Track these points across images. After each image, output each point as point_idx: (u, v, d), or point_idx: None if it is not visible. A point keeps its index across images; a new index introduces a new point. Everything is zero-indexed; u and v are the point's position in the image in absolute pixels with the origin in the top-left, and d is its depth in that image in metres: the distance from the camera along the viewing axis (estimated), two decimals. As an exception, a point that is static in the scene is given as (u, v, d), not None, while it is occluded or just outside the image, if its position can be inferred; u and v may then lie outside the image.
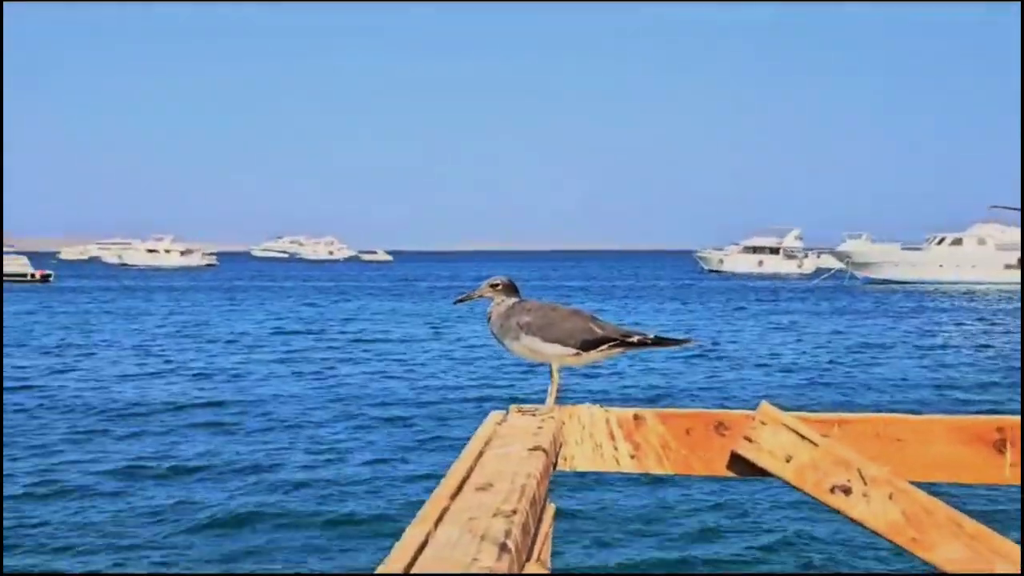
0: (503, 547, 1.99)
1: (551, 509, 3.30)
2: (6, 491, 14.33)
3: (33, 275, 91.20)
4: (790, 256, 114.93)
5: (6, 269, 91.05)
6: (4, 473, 15.44)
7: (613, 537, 12.17)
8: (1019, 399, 21.75)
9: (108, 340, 37.91)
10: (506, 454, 2.82)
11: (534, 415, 3.43)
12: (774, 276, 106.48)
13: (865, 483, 3.27)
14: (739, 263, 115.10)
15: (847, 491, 3.28)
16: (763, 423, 3.35)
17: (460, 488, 2.46)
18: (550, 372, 3.57)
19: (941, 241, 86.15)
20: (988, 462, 3.36)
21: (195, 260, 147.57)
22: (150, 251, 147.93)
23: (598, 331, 3.51)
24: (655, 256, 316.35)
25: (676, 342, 3.66)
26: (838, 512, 3.32)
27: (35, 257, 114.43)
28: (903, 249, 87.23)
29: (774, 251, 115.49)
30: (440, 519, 2.21)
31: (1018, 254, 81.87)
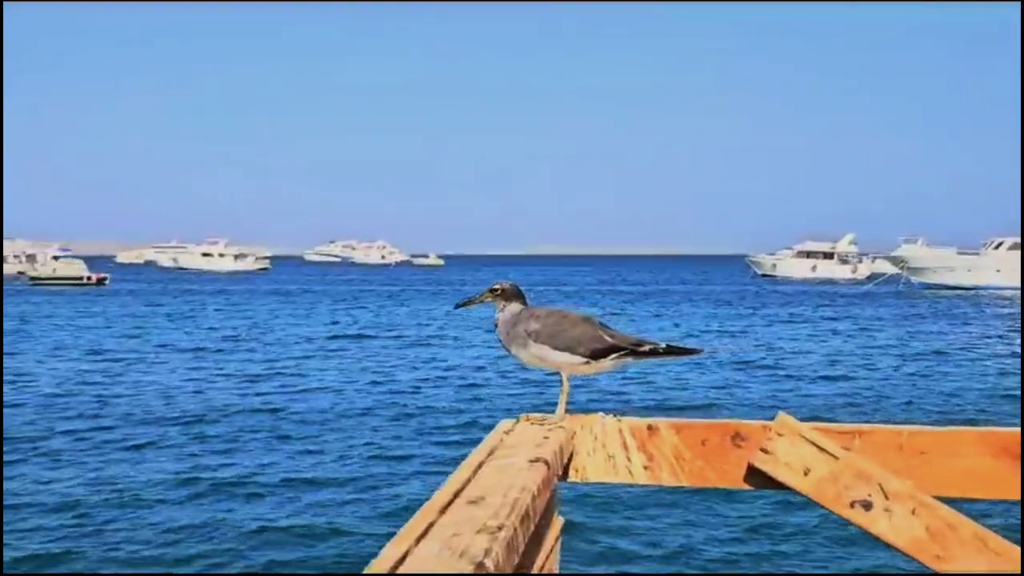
0: (480, 566, 1.91)
1: (559, 522, 3.21)
2: (62, 497, 14.33)
3: (89, 278, 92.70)
4: (844, 261, 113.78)
5: (62, 272, 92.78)
6: (59, 479, 15.49)
7: (628, 550, 11.88)
8: None
9: (162, 344, 38.23)
10: (506, 465, 2.73)
11: (542, 424, 3.34)
12: (828, 281, 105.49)
13: (887, 498, 3.15)
14: (792, 268, 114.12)
15: (868, 506, 3.16)
16: (780, 434, 3.24)
17: (452, 501, 2.38)
18: (561, 380, 3.49)
19: (999, 246, 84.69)
20: (1016, 476, 3.22)
21: (248, 264, 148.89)
22: (205, 255, 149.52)
23: (608, 339, 3.42)
24: (706, 261, 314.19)
25: (689, 351, 3.55)
26: (859, 527, 3.20)
27: (92, 261, 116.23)
28: (959, 254, 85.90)
29: (828, 256, 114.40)
30: (424, 534, 2.14)
31: None
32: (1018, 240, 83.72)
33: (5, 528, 12.79)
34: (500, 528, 2.13)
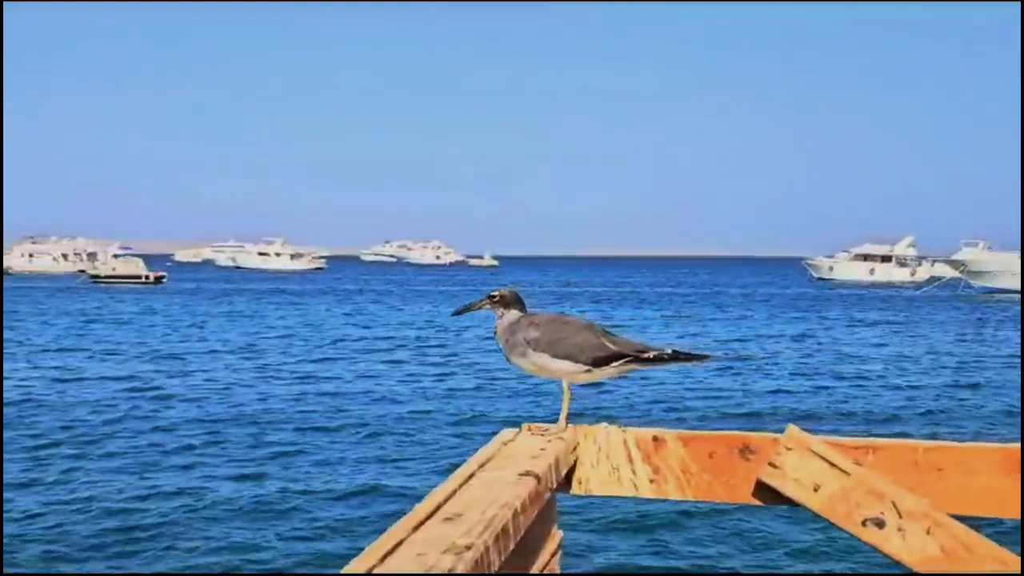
0: (438, 587, 1.84)
1: (557, 535, 3.12)
2: (118, 498, 14.36)
3: (147, 276, 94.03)
4: (902, 264, 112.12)
5: (121, 270, 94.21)
6: (116, 479, 15.47)
7: (634, 564, 11.46)
8: None
9: (218, 343, 38.45)
10: (493, 479, 2.65)
11: (543, 435, 3.25)
12: (885, 285, 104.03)
13: (900, 516, 3.03)
14: (849, 271, 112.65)
15: (880, 524, 3.04)
16: (789, 448, 3.12)
17: (429, 517, 2.31)
18: (562, 390, 3.39)
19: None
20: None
21: (304, 264, 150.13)
22: (261, 254, 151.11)
23: (611, 347, 3.32)
24: (761, 263, 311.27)
25: (695, 357, 3.43)
26: (871, 547, 3.08)
27: (151, 259, 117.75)
28: (1022, 258, 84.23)
29: (886, 259, 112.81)
30: (391, 552, 2.07)
31: None
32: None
33: (56, 528, 12.84)
34: (468, 548, 2.05)
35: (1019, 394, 25.21)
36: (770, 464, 3.14)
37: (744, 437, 3.26)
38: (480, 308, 3.53)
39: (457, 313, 3.66)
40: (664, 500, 3.31)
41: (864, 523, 3.05)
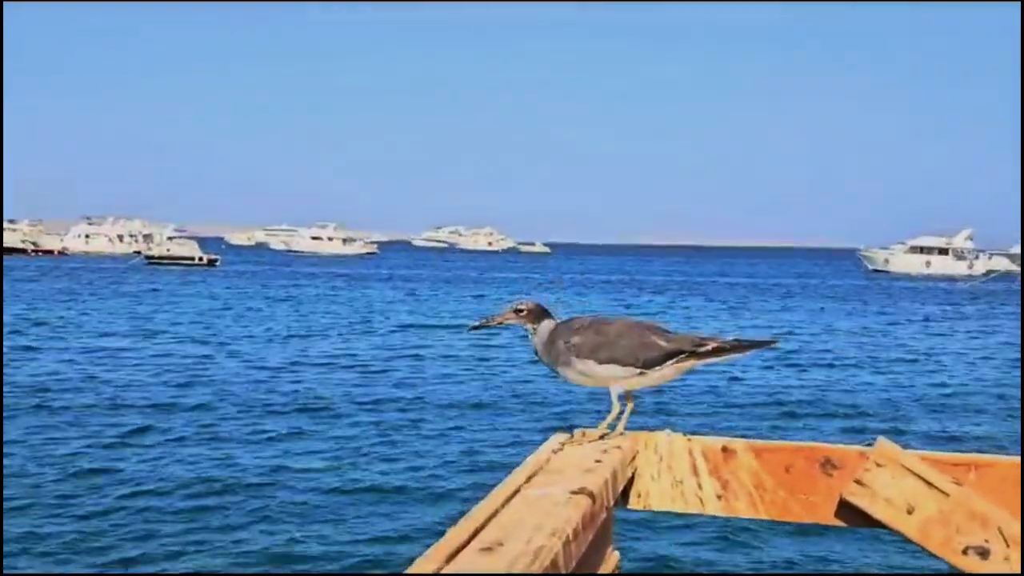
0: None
1: (614, 557, 2.77)
2: (176, 485, 14.13)
3: (201, 258, 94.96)
4: (960, 257, 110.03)
5: (176, 252, 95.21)
6: (178, 461, 15.28)
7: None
8: None
9: (269, 327, 38.23)
10: (540, 497, 2.28)
11: (597, 443, 2.89)
12: (942, 277, 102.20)
13: (1008, 544, 2.64)
14: (905, 263, 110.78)
15: (984, 553, 2.66)
16: (879, 464, 2.74)
17: (465, 544, 1.96)
18: (622, 396, 3.03)
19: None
20: None
21: (356, 248, 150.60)
22: (314, 238, 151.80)
23: (663, 344, 2.96)
24: (813, 254, 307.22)
25: (758, 345, 3.07)
26: (972, 578, 2.69)
27: (205, 242, 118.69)
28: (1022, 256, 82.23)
29: (943, 251, 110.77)
30: (418, 591, 1.72)
31: None
32: None
33: (121, 509, 12.63)
34: (510, 589, 1.70)
35: None
36: (856, 481, 2.76)
37: (826, 449, 2.89)
38: (503, 323, 3.16)
39: (476, 328, 3.26)
40: (734, 518, 2.94)
41: (965, 551, 2.67)
